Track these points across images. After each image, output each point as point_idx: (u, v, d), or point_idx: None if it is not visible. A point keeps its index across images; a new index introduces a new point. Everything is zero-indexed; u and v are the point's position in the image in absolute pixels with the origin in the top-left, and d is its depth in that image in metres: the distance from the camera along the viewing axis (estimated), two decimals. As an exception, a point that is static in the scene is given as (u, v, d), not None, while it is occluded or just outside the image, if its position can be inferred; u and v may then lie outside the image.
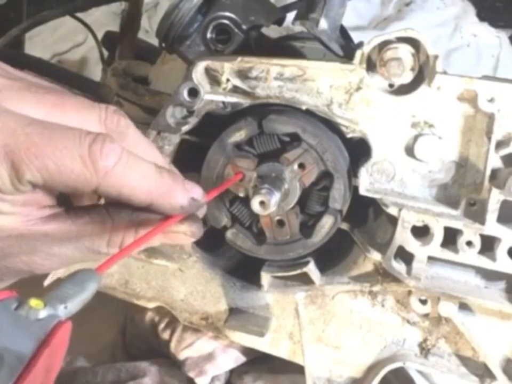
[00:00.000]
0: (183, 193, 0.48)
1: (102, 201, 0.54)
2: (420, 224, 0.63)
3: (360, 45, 0.63)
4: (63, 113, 0.45)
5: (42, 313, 0.35)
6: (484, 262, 0.62)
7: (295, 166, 0.64)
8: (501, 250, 0.61)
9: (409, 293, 0.68)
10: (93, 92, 0.86)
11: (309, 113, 0.65)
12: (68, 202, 0.51)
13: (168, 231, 0.50)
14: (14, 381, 0.31)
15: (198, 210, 0.51)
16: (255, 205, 0.59)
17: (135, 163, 0.45)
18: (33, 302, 0.35)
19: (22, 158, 0.41)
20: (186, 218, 0.50)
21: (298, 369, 0.75)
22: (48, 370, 0.35)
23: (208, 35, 0.72)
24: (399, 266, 0.66)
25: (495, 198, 0.59)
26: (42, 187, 0.43)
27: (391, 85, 0.63)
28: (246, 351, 0.84)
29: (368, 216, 0.72)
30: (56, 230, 0.48)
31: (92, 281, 0.39)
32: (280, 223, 0.67)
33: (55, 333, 0.35)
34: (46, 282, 0.75)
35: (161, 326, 0.89)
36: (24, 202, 0.45)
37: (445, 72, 0.61)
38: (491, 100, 0.59)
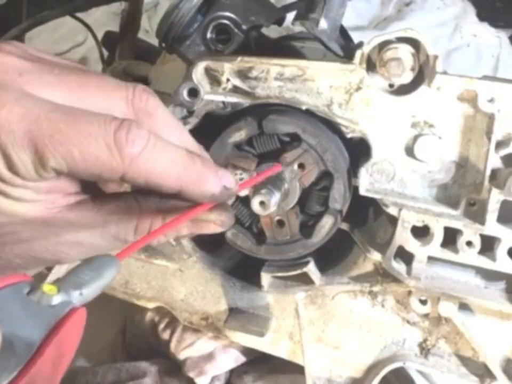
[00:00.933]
0: (215, 180, 0.46)
1: (128, 188, 0.52)
2: (420, 224, 0.63)
3: (360, 45, 0.63)
4: (87, 94, 0.43)
5: (56, 300, 0.34)
6: (484, 262, 0.62)
7: (295, 166, 0.64)
8: (501, 250, 0.61)
9: (409, 293, 0.68)
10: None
11: (309, 113, 0.65)
12: (94, 188, 0.49)
13: (197, 219, 0.48)
14: (19, 370, 0.31)
15: (229, 199, 0.49)
16: (255, 205, 0.59)
17: (164, 148, 0.43)
18: (46, 287, 0.34)
19: (46, 145, 0.39)
20: (216, 206, 0.48)
21: (298, 369, 0.75)
22: (59, 357, 0.34)
23: (208, 35, 0.72)
24: (399, 266, 0.66)
25: (495, 198, 0.59)
26: (66, 174, 0.42)
27: (391, 85, 0.63)
28: (246, 351, 0.85)
29: (368, 216, 0.72)
30: (81, 217, 0.46)
31: (110, 267, 0.37)
32: (280, 223, 0.67)
33: (66, 321, 0.33)
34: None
35: (161, 326, 0.89)
36: (49, 190, 0.44)
37: (445, 72, 0.60)
38: (491, 100, 0.59)
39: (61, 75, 0.43)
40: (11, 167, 0.40)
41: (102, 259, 0.38)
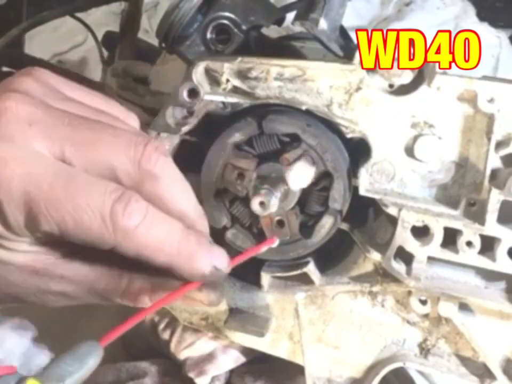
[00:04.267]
0: (206, 260, 0.45)
1: None
2: (419, 224, 0.63)
3: (360, 45, 0.63)
4: (94, 151, 0.43)
5: None
6: (484, 262, 0.62)
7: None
8: (501, 251, 0.61)
9: (409, 293, 0.68)
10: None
11: (309, 114, 0.65)
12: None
13: (185, 296, 0.48)
14: None
15: (220, 280, 0.48)
16: (254, 205, 0.59)
17: (160, 222, 0.43)
18: (31, 382, 0.34)
19: (41, 210, 0.40)
20: (205, 285, 0.48)
21: (298, 369, 0.75)
22: None
23: (208, 35, 0.72)
24: (399, 267, 0.66)
25: (495, 198, 0.59)
26: (57, 236, 0.42)
27: (391, 85, 0.63)
28: (246, 351, 0.84)
29: (368, 216, 0.72)
30: (71, 272, 0.47)
31: (93, 355, 0.38)
32: (280, 223, 0.67)
33: None
34: None
35: (161, 326, 0.89)
36: (43, 242, 0.45)
37: (444, 73, 0.60)
38: (491, 100, 0.59)
39: (72, 126, 0.43)
40: (4, 223, 0.41)
41: (86, 347, 0.38)
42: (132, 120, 0.53)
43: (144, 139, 0.45)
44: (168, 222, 0.44)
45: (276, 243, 0.58)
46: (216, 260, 0.46)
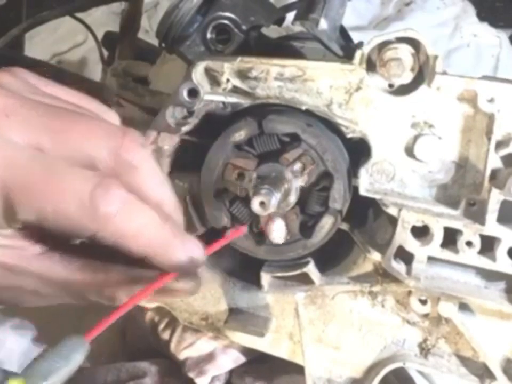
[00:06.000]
0: (181, 250, 0.45)
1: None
2: (419, 224, 0.63)
3: (360, 45, 0.63)
4: (69, 140, 0.42)
5: None
6: (484, 262, 0.62)
7: (295, 167, 0.64)
8: (501, 251, 0.61)
9: (409, 293, 0.68)
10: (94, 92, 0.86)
11: (309, 114, 0.65)
12: (64, 241, 0.48)
13: (163, 287, 0.46)
14: None
15: (196, 270, 0.48)
16: (255, 205, 0.59)
17: (138, 211, 0.43)
18: (13, 382, 0.33)
19: (18, 197, 0.39)
20: (183, 274, 0.47)
21: (298, 369, 0.75)
22: None
23: (208, 35, 0.72)
24: (399, 267, 0.66)
25: (495, 198, 0.59)
26: (35, 225, 0.41)
27: (391, 85, 0.63)
28: (246, 351, 0.84)
29: (368, 216, 0.72)
30: (47, 270, 0.46)
31: (79, 351, 0.37)
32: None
33: None
34: None
35: (161, 326, 0.89)
36: (18, 237, 0.44)
37: (444, 73, 0.60)
38: (491, 100, 0.59)
39: (45, 117, 0.42)
40: None
41: (71, 343, 0.37)
42: (110, 116, 0.52)
43: (122, 129, 0.45)
44: (145, 211, 0.44)
45: (245, 231, 0.64)
46: (192, 250, 0.46)
